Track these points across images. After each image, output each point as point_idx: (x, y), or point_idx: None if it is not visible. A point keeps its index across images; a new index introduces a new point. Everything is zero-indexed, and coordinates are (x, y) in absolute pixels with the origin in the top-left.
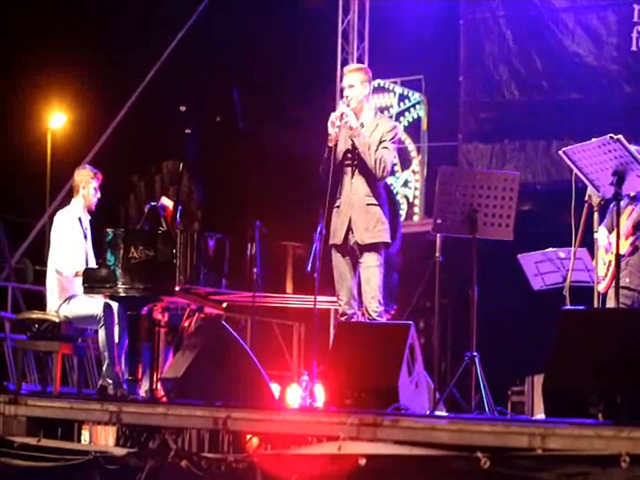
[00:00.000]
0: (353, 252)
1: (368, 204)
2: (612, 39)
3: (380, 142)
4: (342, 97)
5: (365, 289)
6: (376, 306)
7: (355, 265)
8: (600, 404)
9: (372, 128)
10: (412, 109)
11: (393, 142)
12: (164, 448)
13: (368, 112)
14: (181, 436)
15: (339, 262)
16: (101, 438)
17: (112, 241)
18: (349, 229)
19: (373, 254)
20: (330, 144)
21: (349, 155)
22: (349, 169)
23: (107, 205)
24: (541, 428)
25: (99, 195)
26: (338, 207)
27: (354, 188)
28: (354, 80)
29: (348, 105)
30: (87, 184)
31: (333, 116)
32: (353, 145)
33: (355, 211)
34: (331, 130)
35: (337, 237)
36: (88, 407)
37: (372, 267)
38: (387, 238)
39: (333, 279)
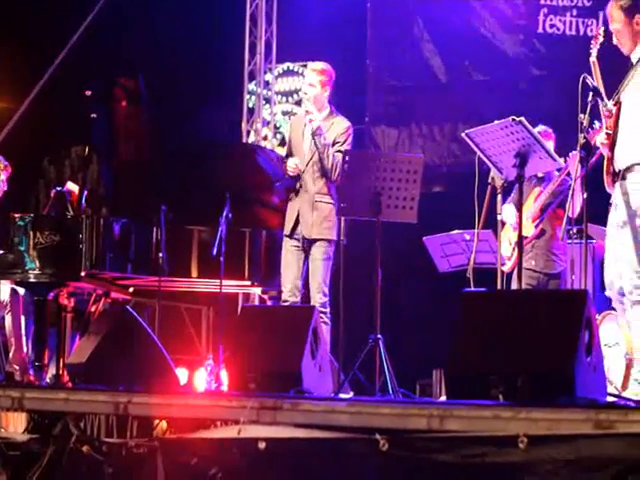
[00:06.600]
0: (301, 244)
1: (317, 201)
2: (519, 21)
3: (334, 143)
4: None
5: (310, 281)
6: (320, 297)
7: (302, 257)
8: (501, 386)
9: (327, 128)
10: None
11: (348, 145)
12: (66, 434)
13: (324, 110)
14: (90, 422)
15: (286, 250)
16: (10, 425)
17: (20, 227)
18: (297, 222)
19: (320, 248)
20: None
21: (307, 151)
22: (304, 165)
23: (17, 190)
24: (440, 410)
25: (5, 188)
26: (290, 200)
27: (306, 183)
28: (315, 80)
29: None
30: None
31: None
32: (314, 144)
33: (304, 205)
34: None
35: (286, 228)
36: None
37: (317, 260)
38: (333, 236)
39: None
